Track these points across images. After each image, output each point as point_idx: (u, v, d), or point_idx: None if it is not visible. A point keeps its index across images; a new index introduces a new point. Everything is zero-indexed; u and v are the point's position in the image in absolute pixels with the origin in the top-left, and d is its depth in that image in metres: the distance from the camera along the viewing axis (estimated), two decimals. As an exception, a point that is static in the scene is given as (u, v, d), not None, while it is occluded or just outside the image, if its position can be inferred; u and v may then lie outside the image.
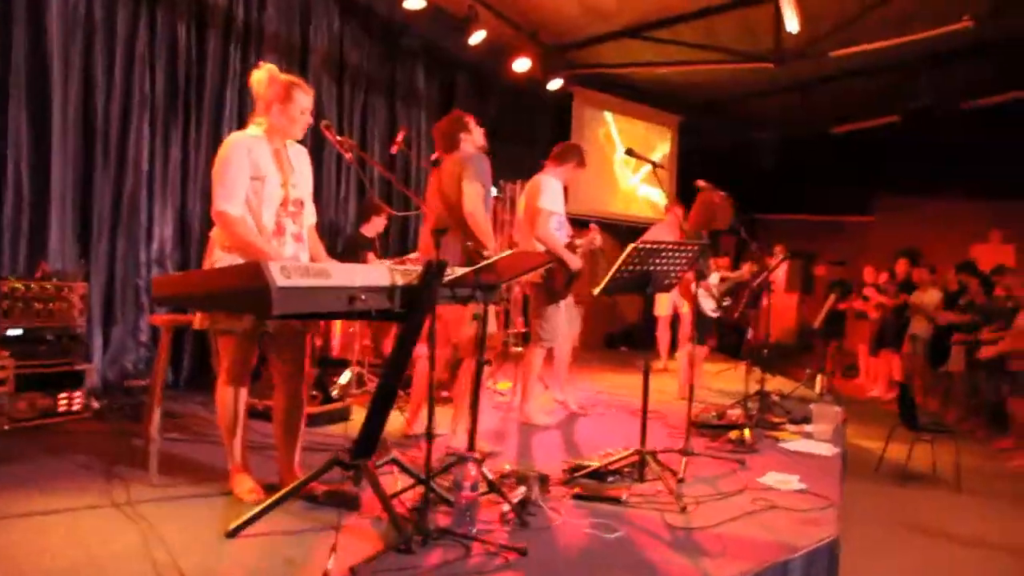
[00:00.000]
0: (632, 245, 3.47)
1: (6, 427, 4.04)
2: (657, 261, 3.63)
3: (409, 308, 2.80)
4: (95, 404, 4.58)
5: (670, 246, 3.64)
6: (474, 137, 4.36)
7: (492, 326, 4.17)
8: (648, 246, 3.52)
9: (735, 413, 5.36)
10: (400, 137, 5.78)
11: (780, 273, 10.87)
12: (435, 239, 2.80)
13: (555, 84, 9.18)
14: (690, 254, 3.75)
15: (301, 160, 3.35)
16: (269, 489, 3.20)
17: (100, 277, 5.06)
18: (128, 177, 5.20)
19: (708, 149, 11.75)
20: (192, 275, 2.58)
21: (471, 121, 4.37)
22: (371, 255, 6.25)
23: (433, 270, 2.80)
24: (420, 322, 2.90)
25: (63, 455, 3.74)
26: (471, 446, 3.29)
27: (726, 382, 7.55)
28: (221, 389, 3.27)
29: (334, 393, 5.11)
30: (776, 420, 5.32)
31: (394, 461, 3.15)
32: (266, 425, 3.61)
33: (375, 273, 2.71)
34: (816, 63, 9.09)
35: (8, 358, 4.09)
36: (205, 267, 3.16)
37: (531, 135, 9.62)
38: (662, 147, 11.26)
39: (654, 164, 4.23)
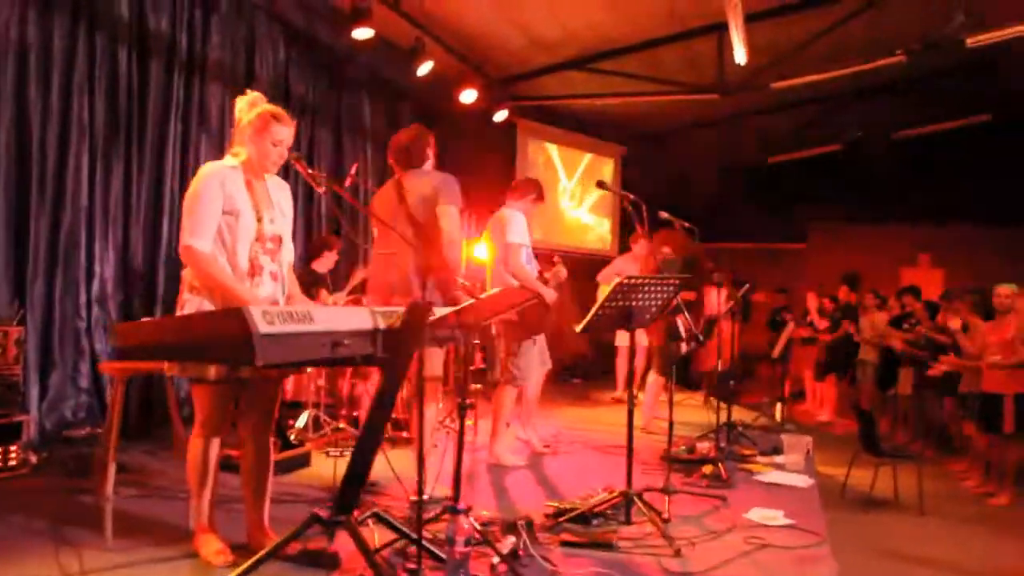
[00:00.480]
0: (618, 280, 3.39)
1: (-66, 488, 3.67)
2: (638, 296, 3.54)
3: (394, 352, 2.63)
4: (33, 458, 4.22)
5: (651, 281, 3.56)
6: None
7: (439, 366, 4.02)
8: (631, 282, 3.43)
9: (704, 446, 5.31)
10: (354, 170, 5.63)
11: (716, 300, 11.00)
12: (420, 279, 2.64)
13: (500, 116, 9.15)
14: (671, 289, 3.68)
15: (280, 194, 3.17)
16: (236, 549, 2.97)
17: (36, 320, 4.68)
18: (66, 212, 4.85)
19: (648, 179, 11.87)
20: (165, 322, 2.34)
21: (432, 137, 4.20)
22: (324, 292, 6.03)
23: (418, 313, 2.65)
24: (405, 367, 2.74)
25: (1, 517, 3.39)
26: (456, 496, 3.11)
27: (684, 413, 7.52)
28: (193, 441, 3.03)
29: (292, 438, 4.85)
30: (746, 452, 5.29)
31: (377, 516, 2.95)
32: (231, 477, 3.37)
33: (357, 316, 2.54)
34: (756, 94, 9.30)
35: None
36: (180, 308, 2.94)
37: (476, 166, 9.52)
38: (606, 177, 11.31)
39: (630, 198, 4.16)
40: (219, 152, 5.80)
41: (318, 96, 7.15)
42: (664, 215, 5.52)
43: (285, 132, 3.03)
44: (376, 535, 3.03)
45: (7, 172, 4.56)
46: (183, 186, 5.45)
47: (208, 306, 2.87)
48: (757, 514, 3.87)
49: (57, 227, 4.82)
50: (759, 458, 5.20)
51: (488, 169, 9.41)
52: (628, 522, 3.59)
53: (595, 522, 3.59)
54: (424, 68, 7.36)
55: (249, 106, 3.07)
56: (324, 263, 6.12)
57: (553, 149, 10.58)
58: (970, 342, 5.91)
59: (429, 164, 4.08)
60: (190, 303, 2.90)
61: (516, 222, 4.82)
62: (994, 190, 11.13)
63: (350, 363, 2.75)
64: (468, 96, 8.17)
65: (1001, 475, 5.66)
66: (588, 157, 11.12)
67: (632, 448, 3.63)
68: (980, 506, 5.60)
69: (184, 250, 2.83)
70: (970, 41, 7.28)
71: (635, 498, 3.58)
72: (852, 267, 10.77)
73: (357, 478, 2.77)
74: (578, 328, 3.52)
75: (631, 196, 4.16)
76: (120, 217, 5.23)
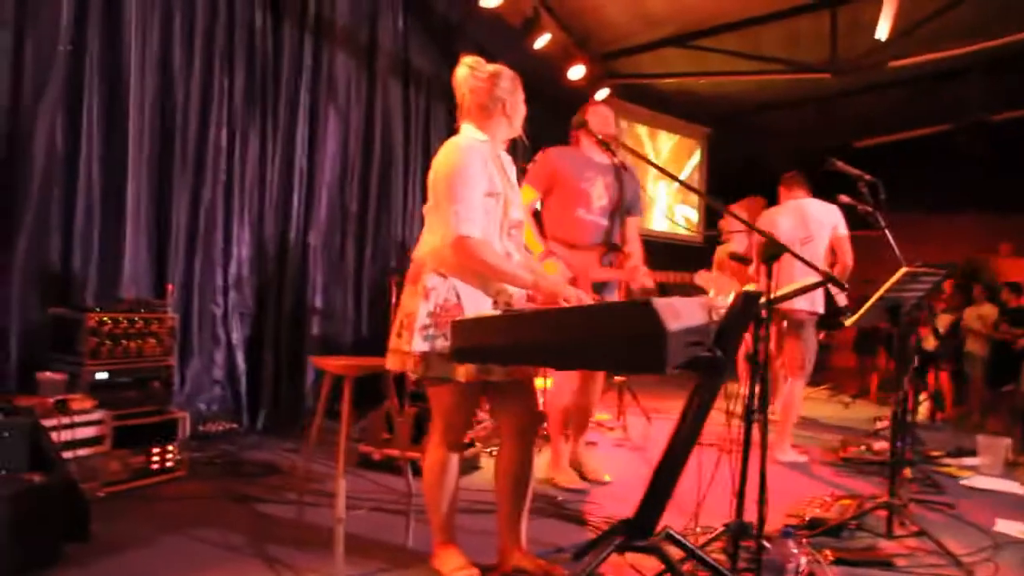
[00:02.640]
0: (904, 269, 2.96)
1: (100, 494, 3.27)
2: (912, 287, 3.11)
3: (723, 349, 2.20)
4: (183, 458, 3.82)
5: (923, 271, 3.12)
6: None
7: None
8: (914, 270, 3.00)
9: (878, 445, 4.88)
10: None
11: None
12: (767, 265, 2.22)
13: (602, 94, 8.66)
14: (935, 279, 3.25)
15: (512, 172, 2.76)
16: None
17: (174, 306, 4.29)
18: (206, 188, 4.45)
19: (732, 160, 11.37)
20: (530, 318, 1.85)
21: None
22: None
23: (750, 303, 2.23)
24: (728, 366, 2.30)
25: (193, 532, 2.98)
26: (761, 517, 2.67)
27: (814, 408, 7.12)
28: (433, 451, 2.62)
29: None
30: (934, 454, 4.85)
31: (670, 537, 2.51)
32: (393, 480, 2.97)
33: (696, 309, 2.12)
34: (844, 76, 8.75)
35: (100, 409, 3.33)
36: (411, 296, 2.52)
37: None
38: (692, 159, 10.85)
39: (866, 179, 3.68)
40: (346, 126, 5.40)
41: (432, 69, 6.69)
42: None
43: (521, 107, 2.72)
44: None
45: (151, 143, 4.16)
46: (311, 161, 5.07)
47: (464, 291, 2.49)
48: (1009, 527, 3.43)
49: (197, 204, 4.43)
50: (947, 460, 4.76)
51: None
52: (890, 536, 3.17)
53: (843, 534, 3.19)
54: (541, 40, 6.92)
55: (479, 75, 2.64)
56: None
57: (643, 131, 10.11)
58: None
59: None
60: (437, 290, 2.49)
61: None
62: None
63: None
64: (576, 72, 7.75)
65: None
66: (675, 139, 10.65)
67: (896, 454, 3.20)
68: None
69: (457, 241, 2.42)
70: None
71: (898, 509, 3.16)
72: (930, 256, 10.30)
73: (661, 497, 2.35)
74: (848, 322, 3.09)
75: (867, 176, 3.69)
76: (255, 195, 4.82)
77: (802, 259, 2.41)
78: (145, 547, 2.80)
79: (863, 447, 4.77)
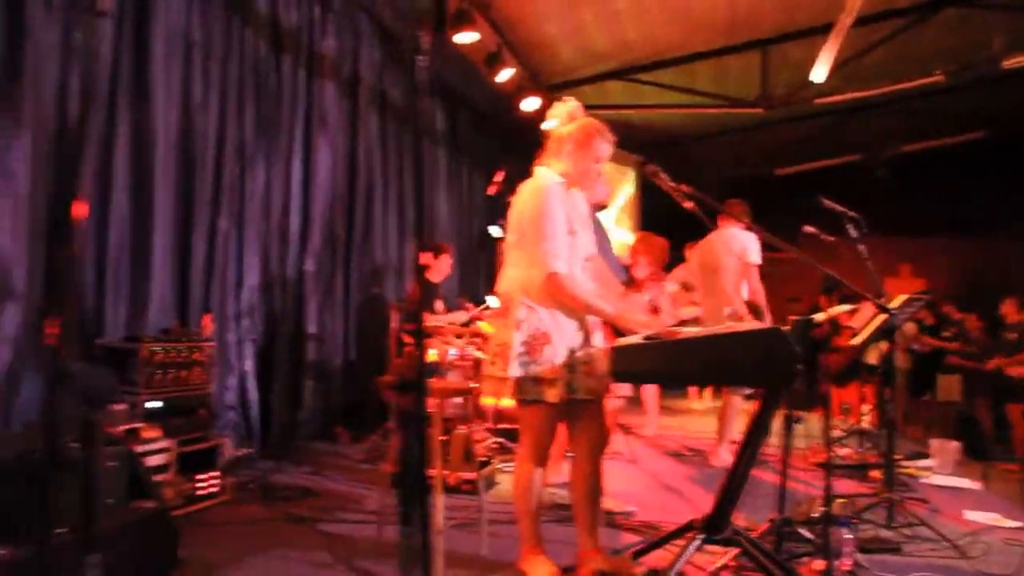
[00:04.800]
0: (904, 296, 3.46)
1: (164, 520, 3.34)
2: (906, 310, 3.61)
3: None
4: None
5: (915, 297, 3.63)
6: None
7: None
8: (912, 296, 3.50)
9: (843, 452, 5.41)
10: (499, 178, 5.48)
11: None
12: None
13: (550, 124, 9.05)
14: (920, 304, 3.76)
15: (584, 209, 3.05)
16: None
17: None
18: (222, 217, 4.54)
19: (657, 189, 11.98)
20: (675, 345, 2.12)
21: None
22: (439, 303, 5.83)
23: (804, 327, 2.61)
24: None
25: (276, 552, 3.11)
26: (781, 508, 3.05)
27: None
28: (522, 467, 2.86)
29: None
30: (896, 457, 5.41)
31: (738, 536, 2.85)
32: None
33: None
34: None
35: (166, 437, 3.41)
36: (504, 327, 2.78)
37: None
38: (627, 186, 11.40)
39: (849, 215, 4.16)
40: (335, 155, 5.56)
41: (403, 99, 6.91)
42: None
43: (607, 149, 2.92)
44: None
45: (175, 168, 4.23)
46: (305, 190, 5.22)
47: (550, 321, 2.74)
48: (979, 516, 3.97)
49: (214, 234, 4.50)
50: (904, 462, 5.32)
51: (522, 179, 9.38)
52: (890, 526, 3.62)
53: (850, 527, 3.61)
54: (504, 74, 7.25)
55: (568, 117, 2.95)
56: (437, 272, 5.92)
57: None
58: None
59: None
60: (528, 321, 2.74)
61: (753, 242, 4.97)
62: (971, 204, 11.79)
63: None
64: (531, 104, 8.09)
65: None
66: (612, 167, 11.15)
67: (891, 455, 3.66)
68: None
69: (549, 278, 2.68)
70: (1006, 63, 7.69)
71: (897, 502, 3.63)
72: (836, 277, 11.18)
73: (733, 497, 2.69)
74: (856, 340, 3.53)
75: (851, 213, 4.16)
76: (262, 223, 4.92)
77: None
78: (242, 569, 2.92)
79: (836, 454, 5.27)
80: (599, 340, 2.85)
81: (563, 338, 2.74)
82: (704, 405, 8.88)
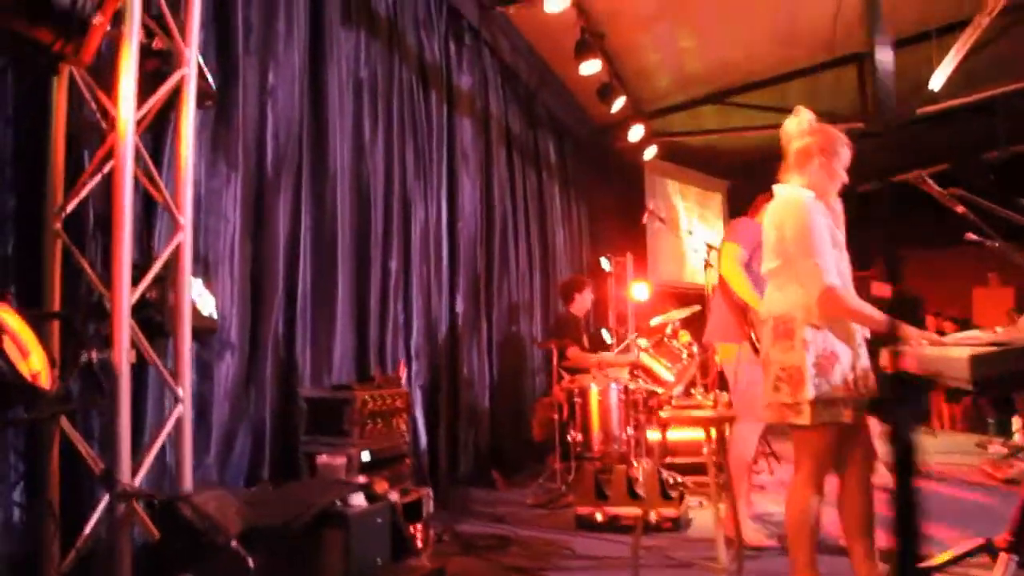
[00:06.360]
0: None
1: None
2: None
3: None
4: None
5: None
6: None
7: None
8: None
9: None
10: (652, 205, 5.31)
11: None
12: None
13: (651, 152, 8.95)
14: None
15: (841, 221, 2.86)
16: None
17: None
18: (393, 258, 4.40)
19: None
20: None
21: None
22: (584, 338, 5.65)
23: None
24: None
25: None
26: None
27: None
28: (800, 491, 2.65)
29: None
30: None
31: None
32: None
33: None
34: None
35: (392, 491, 3.21)
36: (787, 350, 2.59)
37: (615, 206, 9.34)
38: (715, 211, 11.19)
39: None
40: (474, 191, 5.43)
41: (521, 131, 6.81)
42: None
43: (849, 156, 2.78)
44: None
45: (352, 213, 4.10)
46: (451, 226, 5.07)
47: (836, 339, 2.58)
48: None
49: (387, 276, 4.35)
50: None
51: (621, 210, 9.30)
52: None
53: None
54: (617, 104, 7.12)
55: (800, 131, 2.80)
56: (579, 305, 5.74)
57: (675, 186, 10.40)
58: None
59: None
60: (815, 341, 2.57)
61: None
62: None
63: None
64: (636, 133, 7.96)
65: None
66: (700, 192, 10.99)
67: None
68: None
69: (826, 292, 2.53)
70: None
71: None
72: (925, 290, 10.82)
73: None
74: None
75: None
76: (424, 263, 4.78)
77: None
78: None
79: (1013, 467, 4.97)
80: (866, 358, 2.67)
81: (846, 356, 2.59)
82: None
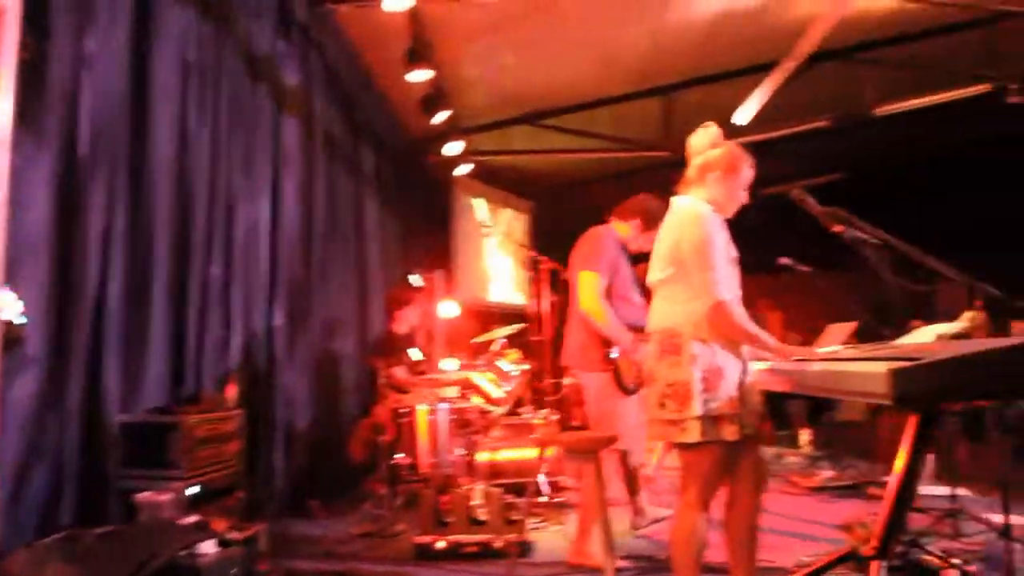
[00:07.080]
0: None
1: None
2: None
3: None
4: None
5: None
6: None
7: None
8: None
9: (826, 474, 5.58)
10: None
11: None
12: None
13: (463, 169, 8.91)
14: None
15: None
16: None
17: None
18: (215, 262, 3.91)
19: (555, 231, 12.02)
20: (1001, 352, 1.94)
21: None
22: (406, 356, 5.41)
23: None
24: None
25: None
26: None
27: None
28: (687, 513, 2.65)
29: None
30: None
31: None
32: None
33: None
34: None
35: (233, 530, 2.79)
36: (674, 365, 2.59)
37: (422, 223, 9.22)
38: (520, 232, 11.37)
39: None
40: (298, 195, 5.06)
41: (342, 138, 6.45)
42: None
43: (751, 175, 2.82)
44: None
45: (172, 223, 3.59)
46: (273, 232, 4.71)
47: (723, 355, 2.60)
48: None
49: (207, 284, 3.85)
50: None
51: (430, 223, 9.22)
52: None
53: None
54: (440, 116, 6.97)
55: (711, 143, 2.81)
56: (402, 322, 5.51)
57: (482, 204, 10.41)
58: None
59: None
60: (703, 356, 2.58)
61: None
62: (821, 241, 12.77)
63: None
64: (454, 148, 7.86)
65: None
66: (509, 212, 11.14)
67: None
68: None
69: (717, 307, 2.55)
70: (878, 111, 8.37)
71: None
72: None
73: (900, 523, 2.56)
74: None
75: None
76: (241, 273, 4.31)
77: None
78: None
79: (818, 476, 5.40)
80: (752, 373, 2.71)
81: (733, 371, 2.61)
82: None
